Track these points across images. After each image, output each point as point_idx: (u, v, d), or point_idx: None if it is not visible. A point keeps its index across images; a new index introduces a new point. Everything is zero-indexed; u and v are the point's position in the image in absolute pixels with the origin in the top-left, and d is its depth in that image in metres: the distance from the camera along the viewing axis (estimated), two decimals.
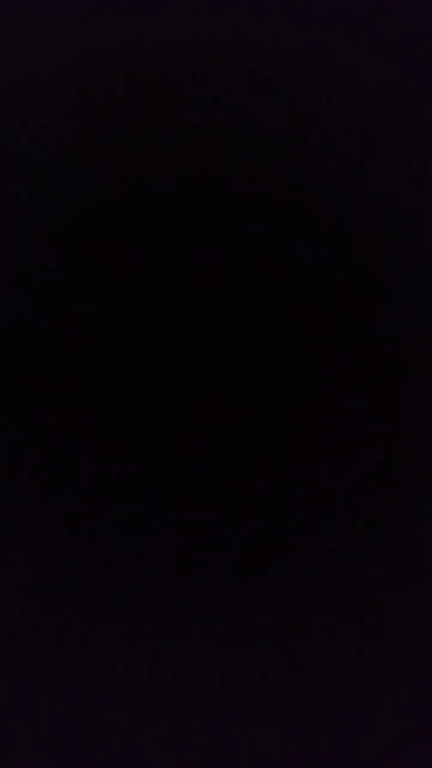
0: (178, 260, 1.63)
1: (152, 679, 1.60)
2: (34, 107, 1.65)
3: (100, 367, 1.63)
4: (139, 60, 1.66)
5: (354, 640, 1.59)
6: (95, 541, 1.61)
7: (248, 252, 1.63)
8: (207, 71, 1.64)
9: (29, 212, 1.64)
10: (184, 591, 1.60)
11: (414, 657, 1.60)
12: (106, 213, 1.64)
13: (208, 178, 1.64)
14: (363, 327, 1.63)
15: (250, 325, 1.63)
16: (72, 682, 1.60)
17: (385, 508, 1.61)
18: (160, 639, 1.60)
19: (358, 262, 1.64)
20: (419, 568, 1.61)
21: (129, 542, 1.61)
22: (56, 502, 1.61)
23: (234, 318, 1.62)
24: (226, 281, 1.62)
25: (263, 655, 1.60)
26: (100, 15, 1.66)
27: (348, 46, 1.65)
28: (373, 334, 1.63)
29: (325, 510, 1.61)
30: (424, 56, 1.66)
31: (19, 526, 1.61)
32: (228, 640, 1.60)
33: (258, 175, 1.64)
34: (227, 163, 1.64)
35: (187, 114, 1.64)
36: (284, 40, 1.64)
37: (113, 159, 1.64)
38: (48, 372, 1.63)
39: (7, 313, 1.63)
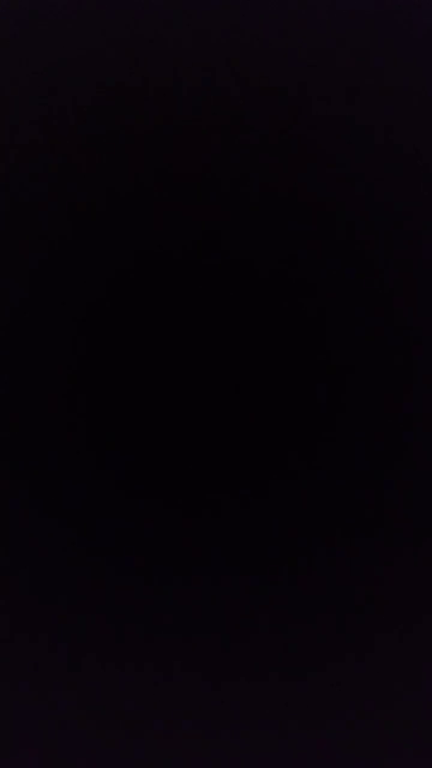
0: (178, 261, 1.63)
1: (150, 681, 1.60)
2: (33, 108, 1.65)
3: (101, 369, 1.63)
4: (138, 61, 1.66)
5: (354, 643, 1.60)
6: (95, 541, 1.61)
7: (248, 253, 1.63)
8: (206, 71, 1.65)
9: (28, 212, 1.64)
10: (183, 593, 1.61)
11: (415, 658, 1.60)
12: (105, 213, 1.64)
13: (207, 179, 1.64)
14: (363, 326, 1.63)
15: (250, 327, 1.63)
16: (71, 683, 1.60)
17: (387, 509, 1.61)
18: (158, 640, 1.60)
19: (359, 261, 1.64)
20: (420, 569, 1.61)
21: (128, 543, 1.61)
22: (55, 504, 1.61)
23: (233, 322, 1.63)
24: (225, 284, 1.62)
25: (261, 658, 1.60)
26: (99, 15, 1.66)
27: (348, 47, 1.65)
28: (374, 333, 1.63)
29: (325, 511, 1.61)
30: (424, 56, 1.66)
31: (19, 524, 1.61)
32: (227, 641, 1.60)
33: (257, 175, 1.64)
34: (226, 163, 1.64)
35: (187, 114, 1.65)
36: (283, 41, 1.64)
37: (113, 159, 1.64)
38: (48, 372, 1.63)
39: (7, 313, 1.63)
